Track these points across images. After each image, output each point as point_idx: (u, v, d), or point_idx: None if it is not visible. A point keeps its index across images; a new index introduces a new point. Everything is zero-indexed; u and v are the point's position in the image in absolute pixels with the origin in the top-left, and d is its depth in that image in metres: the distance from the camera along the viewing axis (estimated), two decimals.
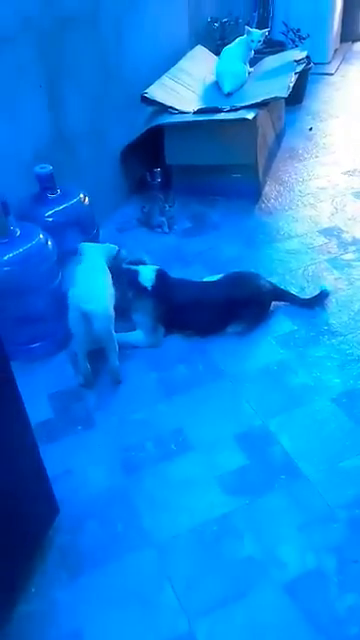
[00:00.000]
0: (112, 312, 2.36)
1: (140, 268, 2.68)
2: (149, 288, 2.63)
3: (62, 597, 1.75)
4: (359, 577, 1.73)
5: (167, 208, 3.45)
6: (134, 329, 2.65)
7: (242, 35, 4.10)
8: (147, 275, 2.66)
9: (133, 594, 1.75)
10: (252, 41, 4.00)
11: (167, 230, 3.45)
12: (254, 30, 4.06)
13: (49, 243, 2.52)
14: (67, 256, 2.57)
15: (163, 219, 3.45)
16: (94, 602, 1.74)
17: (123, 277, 2.63)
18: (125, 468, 2.12)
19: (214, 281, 2.74)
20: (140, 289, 2.64)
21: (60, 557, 1.84)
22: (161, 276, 2.68)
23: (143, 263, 2.75)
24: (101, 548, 1.87)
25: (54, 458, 2.02)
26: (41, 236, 2.50)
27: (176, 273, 2.84)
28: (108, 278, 2.49)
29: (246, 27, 4.11)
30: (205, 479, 2.05)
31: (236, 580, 1.75)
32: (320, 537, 1.84)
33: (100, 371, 2.49)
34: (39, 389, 2.45)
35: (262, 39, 4.03)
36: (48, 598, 1.75)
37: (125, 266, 2.68)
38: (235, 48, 4.07)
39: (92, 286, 2.37)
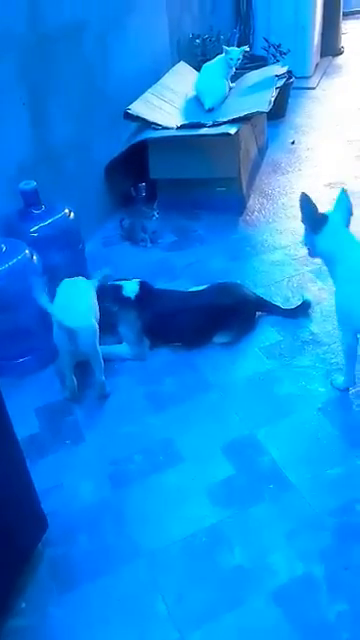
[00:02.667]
0: (96, 327, 2.37)
1: (123, 282, 2.72)
2: (133, 298, 2.66)
3: (53, 611, 1.75)
4: (348, 584, 1.74)
5: (151, 222, 3.48)
6: (120, 343, 2.67)
7: (222, 53, 4.16)
8: (130, 287, 2.69)
9: (124, 606, 1.75)
10: (231, 59, 4.07)
11: (150, 245, 3.48)
12: (232, 48, 4.12)
13: (34, 258, 2.54)
14: (53, 271, 2.59)
15: (145, 235, 3.48)
16: (85, 616, 1.73)
17: (108, 293, 2.64)
18: (114, 481, 2.12)
19: (198, 291, 2.77)
20: (124, 301, 2.66)
21: (51, 571, 1.84)
22: (144, 287, 2.71)
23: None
24: (92, 561, 1.87)
25: (43, 472, 2.04)
26: (27, 251, 2.52)
27: (163, 286, 2.86)
28: (92, 292, 2.50)
29: (224, 47, 4.16)
30: (194, 490, 2.06)
31: (226, 590, 1.76)
32: (309, 545, 1.86)
33: (87, 385, 2.50)
34: (27, 404, 2.45)
35: (241, 56, 4.10)
36: (39, 613, 1.74)
37: (108, 284, 2.69)
38: (215, 65, 4.13)
39: (75, 302, 2.38)
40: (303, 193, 2.13)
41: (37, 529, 1.86)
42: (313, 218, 2.13)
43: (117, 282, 2.72)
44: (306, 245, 2.27)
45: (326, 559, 1.81)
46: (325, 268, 3.02)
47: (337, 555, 1.82)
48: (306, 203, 2.12)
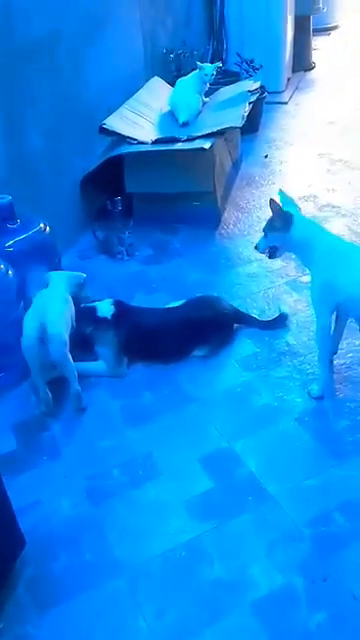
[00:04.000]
0: (66, 336, 2.36)
1: (97, 304, 2.71)
2: (109, 317, 2.65)
3: (32, 631, 1.72)
4: (327, 594, 1.75)
5: (126, 235, 3.49)
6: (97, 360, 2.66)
7: (196, 68, 4.21)
8: (105, 307, 2.69)
9: (104, 623, 1.73)
10: (205, 75, 4.12)
11: (126, 258, 3.49)
12: (206, 64, 4.17)
13: (10, 273, 2.52)
14: (28, 285, 2.58)
15: (122, 248, 3.49)
16: (65, 634, 1.72)
17: (82, 316, 2.63)
18: (93, 496, 2.11)
19: (176, 307, 2.77)
20: (100, 321, 2.65)
21: (29, 590, 1.82)
22: (120, 306, 2.70)
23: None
24: (70, 579, 1.85)
25: (20, 490, 2.02)
26: (1, 266, 2.50)
27: (140, 300, 2.87)
28: (67, 304, 2.50)
29: (197, 63, 4.21)
30: (173, 504, 2.05)
31: (206, 604, 1.76)
32: (288, 556, 1.86)
33: (63, 399, 2.48)
34: (2, 420, 2.43)
35: (215, 72, 4.15)
36: (17, 633, 1.72)
37: (82, 305, 2.68)
38: (189, 80, 4.17)
39: (48, 310, 2.38)
40: (271, 199, 2.31)
41: (14, 547, 1.83)
42: (283, 217, 2.29)
43: (89, 304, 2.70)
44: (265, 249, 2.42)
45: (305, 570, 1.81)
46: (300, 280, 3.11)
47: (316, 566, 1.82)
48: (276, 206, 2.29)
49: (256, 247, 2.45)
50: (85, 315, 2.64)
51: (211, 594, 1.78)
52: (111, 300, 2.74)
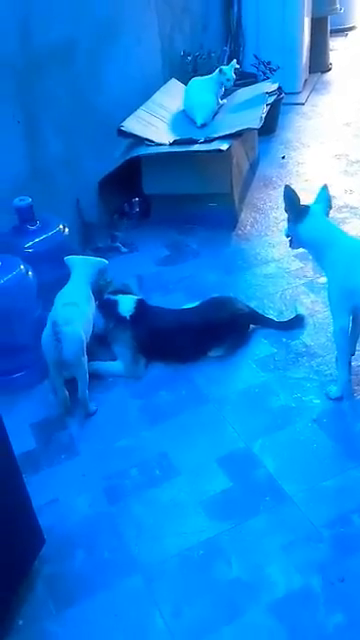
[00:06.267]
0: (83, 337, 2.38)
1: (120, 298, 2.72)
2: (128, 318, 2.66)
3: (50, 628, 1.74)
4: (345, 595, 1.74)
5: (120, 232, 3.57)
6: (115, 358, 2.67)
7: (216, 69, 4.21)
8: (126, 306, 2.69)
9: (122, 622, 1.74)
10: (228, 80, 4.13)
11: (125, 250, 3.55)
12: (227, 68, 4.16)
13: (29, 274, 2.55)
14: (48, 285, 2.60)
15: (115, 244, 3.56)
16: (83, 632, 1.73)
17: (104, 308, 2.66)
18: (110, 495, 2.12)
19: (192, 307, 2.78)
20: (119, 320, 2.67)
21: (47, 588, 1.83)
22: (141, 307, 2.71)
23: (128, 291, 2.78)
24: (89, 577, 1.86)
25: (39, 488, 2.03)
26: (22, 267, 2.53)
27: (157, 300, 2.88)
28: (88, 304, 2.52)
29: (221, 67, 4.18)
30: (191, 504, 2.06)
31: (224, 603, 1.76)
32: (306, 557, 1.86)
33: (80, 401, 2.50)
34: (22, 419, 2.45)
35: (234, 75, 4.16)
36: (36, 630, 1.73)
37: (106, 296, 2.71)
38: (205, 82, 4.17)
39: (68, 309, 2.40)
40: (286, 185, 2.32)
41: (34, 545, 1.85)
42: (296, 208, 2.29)
43: (113, 297, 2.71)
44: (288, 236, 2.41)
45: (323, 571, 1.81)
46: (317, 281, 3.10)
47: (334, 567, 1.82)
48: (289, 193, 2.29)
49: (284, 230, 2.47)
50: (107, 307, 2.66)
51: (229, 593, 1.78)
52: (134, 298, 2.74)
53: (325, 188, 2.36)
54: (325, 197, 2.35)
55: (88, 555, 1.93)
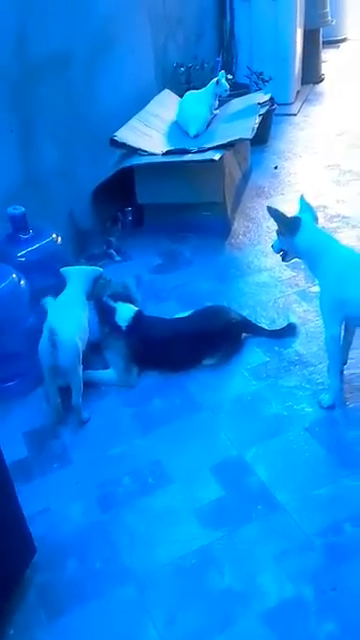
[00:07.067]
0: (79, 344, 2.39)
1: (119, 306, 2.71)
2: (123, 328, 2.66)
3: (42, 637, 1.73)
4: (337, 604, 1.74)
5: (114, 239, 3.62)
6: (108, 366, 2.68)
7: (212, 79, 4.25)
8: (124, 315, 2.68)
9: (114, 631, 1.73)
10: (226, 90, 4.21)
11: (118, 258, 3.58)
12: (221, 77, 4.22)
13: (22, 282, 2.55)
14: (40, 294, 2.61)
15: (110, 250, 3.60)
16: None
17: (101, 313, 2.67)
18: (103, 504, 2.12)
19: (185, 317, 2.79)
20: (114, 328, 2.67)
21: (39, 596, 1.83)
22: (138, 318, 2.69)
23: (126, 292, 2.78)
24: (80, 586, 1.85)
25: (31, 497, 2.03)
26: (14, 276, 2.53)
27: (150, 309, 2.88)
28: (83, 312, 2.53)
29: (219, 79, 4.21)
30: (183, 512, 2.06)
31: (217, 612, 1.76)
32: (298, 565, 1.86)
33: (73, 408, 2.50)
34: (14, 428, 2.45)
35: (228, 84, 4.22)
36: (27, 639, 1.72)
37: (104, 299, 2.71)
38: (199, 94, 4.22)
39: (64, 317, 2.41)
40: (268, 206, 2.37)
41: (25, 554, 1.84)
42: (287, 223, 2.32)
43: (113, 303, 2.70)
44: (280, 251, 2.45)
45: (315, 580, 1.81)
46: (309, 290, 3.12)
47: (326, 575, 1.82)
48: (274, 212, 2.34)
49: (272, 246, 2.50)
50: (104, 313, 2.67)
51: (221, 602, 1.78)
52: (133, 309, 2.71)
53: (302, 197, 2.42)
54: (307, 206, 2.39)
55: (80, 564, 1.92)
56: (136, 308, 2.74)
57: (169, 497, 2.12)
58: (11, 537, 1.76)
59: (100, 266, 2.86)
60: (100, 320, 2.71)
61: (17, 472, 2.14)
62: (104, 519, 2.06)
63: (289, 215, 2.34)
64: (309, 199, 2.45)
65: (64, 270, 2.66)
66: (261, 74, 5.23)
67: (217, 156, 3.45)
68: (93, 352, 2.65)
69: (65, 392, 2.44)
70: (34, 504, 2.03)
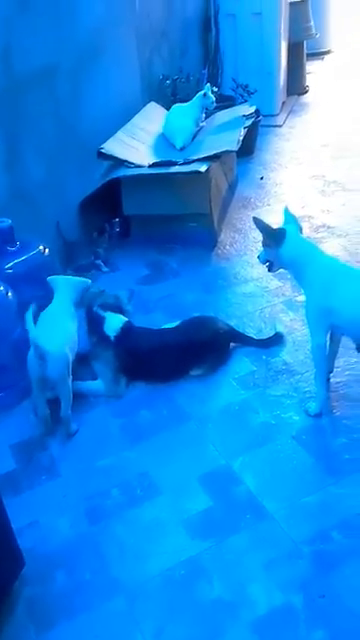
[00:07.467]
0: (68, 356, 2.39)
1: (108, 316, 2.71)
2: (112, 338, 2.66)
3: None
4: (326, 611, 1.75)
5: (102, 250, 3.64)
6: (95, 378, 2.68)
7: (197, 92, 4.30)
8: (113, 325, 2.68)
9: None
10: (212, 103, 4.26)
11: (106, 269, 3.61)
12: (209, 93, 4.27)
13: (9, 294, 2.56)
14: (28, 305, 2.61)
15: (98, 261, 3.62)
16: None
17: (91, 322, 2.68)
18: (91, 516, 2.12)
19: (173, 327, 2.80)
20: (103, 337, 2.67)
21: (28, 610, 1.82)
22: (127, 328, 2.70)
23: (118, 303, 2.79)
24: (69, 599, 1.85)
25: (19, 510, 2.02)
26: (1, 287, 2.54)
27: (137, 320, 2.89)
28: (72, 323, 2.53)
29: (206, 92, 4.26)
30: (172, 523, 2.06)
31: (206, 623, 1.76)
32: (287, 574, 1.87)
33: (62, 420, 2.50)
34: (1, 440, 2.45)
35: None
36: None
37: (95, 309, 2.71)
38: (186, 107, 4.27)
39: (52, 328, 2.41)
40: (254, 217, 2.40)
41: (14, 567, 1.83)
42: (272, 234, 2.36)
43: (103, 313, 2.71)
44: (266, 262, 2.48)
45: (304, 588, 1.82)
46: (295, 299, 3.14)
47: (314, 583, 1.83)
48: (260, 224, 2.36)
49: (258, 257, 2.53)
50: (93, 323, 2.68)
51: (211, 613, 1.78)
52: (122, 320, 2.71)
53: (287, 209, 2.46)
54: (292, 217, 2.43)
55: (69, 576, 1.92)
56: (125, 319, 2.75)
57: (157, 508, 2.12)
58: (0, 550, 1.76)
59: (88, 277, 2.86)
60: (89, 329, 2.71)
61: (5, 485, 2.14)
62: (93, 531, 2.06)
63: (274, 227, 2.37)
64: (295, 209, 2.49)
65: (52, 279, 2.66)
66: (246, 86, 5.28)
67: (203, 168, 3.48)
68: (81, 363, 2.66)
69: (53, 403, 2.44)
70: (22, 517, 2.02)
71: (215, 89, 4.43)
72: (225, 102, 4.97)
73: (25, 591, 1.86)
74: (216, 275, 3.53)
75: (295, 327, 2.96)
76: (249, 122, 4.25)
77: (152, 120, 4.36)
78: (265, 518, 2.04)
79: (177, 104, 4.41)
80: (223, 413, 2.52)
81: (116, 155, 3.69)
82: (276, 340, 2.86)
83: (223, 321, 2.91)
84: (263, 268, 3.44)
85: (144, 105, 4.54)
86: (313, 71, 7.20)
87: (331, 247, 3.56)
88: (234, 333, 2.87)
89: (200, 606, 1.80)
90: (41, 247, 2.90)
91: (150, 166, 3.69)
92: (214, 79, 5.68)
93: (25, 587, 1.87)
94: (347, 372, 2.64)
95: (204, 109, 4.29)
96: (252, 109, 4.46)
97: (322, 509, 2.06)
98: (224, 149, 3.70)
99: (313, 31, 6.50)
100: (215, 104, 4.32)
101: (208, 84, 4.43)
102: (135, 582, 1.88)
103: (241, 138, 3.85)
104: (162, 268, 3.64)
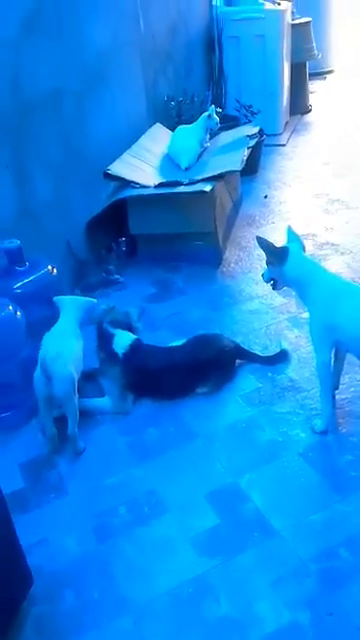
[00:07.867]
0: (74, 374, 2.41)
1: (117, 333, 2.74)
2: (120, 355, 2.69)
3: None
4: (334, 629, 1.75)
5: (112, 267, 3.72)
6: (102, 395, 2.70)
7: (202, 113, 4.39)
8: (122, 342, 2.71)
9: None
10: (217, 124, 4.36)
11: (122, 279, 3.71)
12: (214, 114, 4.35)
13: (18, 314, 2.59)
14: (37, 325, 2.64)
15: (110, 276, 3.69)
16: None
17: (100, 338, 2.70)
18: (99, 534, 2.12)
19: (180, 345, 2.82)
20: (111, 354, 2.70)
21: (36, 628, 1.82)
22: (135, 346, 2.72)
23: (127, 320, 2.82)
24: (77, 617, 1.85)
25: (28, 528, 2.03)
26: (10, 307, 2.58)
27: (144, 338, 2.91)
28: (78, 342, 2.56)
29: (210, 114, 4.35)
30: (179, 541, 2.06)
31: None
32: (294, 591, 1.87)
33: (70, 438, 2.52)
34: (10, 459, 2.46)
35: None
36: None
37: (104, 325, 2.75)
38: (190, 128, 4.35)
39: (58, 348, 2.44)
40: (257, 236, 2.43)
41: (23, 585, 1.84)
42: (276, 252, 2.39)
43: (112, 329, 2.73)
44: (270, 280, 2.51)
45: (311, 605, 1.82)
46: (300, 316, 3.17)
47: (322, 601, 1.83)
48: (263, 243, 2.40)
49: (262, 275, 2.55)
50: (102, 339, 2.71)
51: (218, 631, 1.78)
52: (131, 337, 2.74)
53: (290, 228, 2.48)
54: (295, 236, 2.45)
55: (77, 595, 1.92)
56: (135, 336, 2.78)
57: (165, 526, 2.12)
58: (9, 568, 1.77)
59: (95, 296, 2.90)
60: (98, 345, 2.74)
61: (14, 503, 2.13)
62: (101, 549, 2.07)
63: (277, 245, 2.41)
64: (299, 227, 2.52)
65: (57, 299, 2.70)
66: (250, 107, 5.36)
67: (208, 188, 3.53)
68: (87, 380, 2.68)
69: (60, 422, 2.46)
70: (31, 535, 2.03)
71: (219, 110, 4.51)
72: (229, 122, 5.05)
73: (33, 609, 1.87)
74: (221, 292, 3.56)
75: (300, 344, 2.98)
76: (253, 142, 4.31)
77: (157, 141, 4.43)
78: (272, 536, 2.05)
79: (182, 125, 4.49)
80: (229, 430, 2.53)
81: (122, 176, 3.75)
82: (281, 357, 2.88)
83: (229, 338, 2.93)
84: (268, 285, 3.49)
85: (149, 126, 4.62)
86: (316, 91, 7.31)
87: (335, 264, 3.59)
88: (240, 350, 2.90)
89: (207, 624, 1.81)
90: (49, 267, 2.94)
91: (156, 186, 3.75)
92: (218, 100, 5.77)
93: (33, 605, 1.88)
94: (352, 389, 2.65)
95: (209, 130, 4.37)
96: (256, 129, 4.53)
97: (329, 526, 2.06)
98: (228, 169, 3.76)
99: (315, 52, 6.61)
100: (219, 125, 4.41)
101: (212, 105, 4.52)
102: (142, 600, 1.89)
103: (245, 158, 3.91)
104: (168, 286, 3.68)
